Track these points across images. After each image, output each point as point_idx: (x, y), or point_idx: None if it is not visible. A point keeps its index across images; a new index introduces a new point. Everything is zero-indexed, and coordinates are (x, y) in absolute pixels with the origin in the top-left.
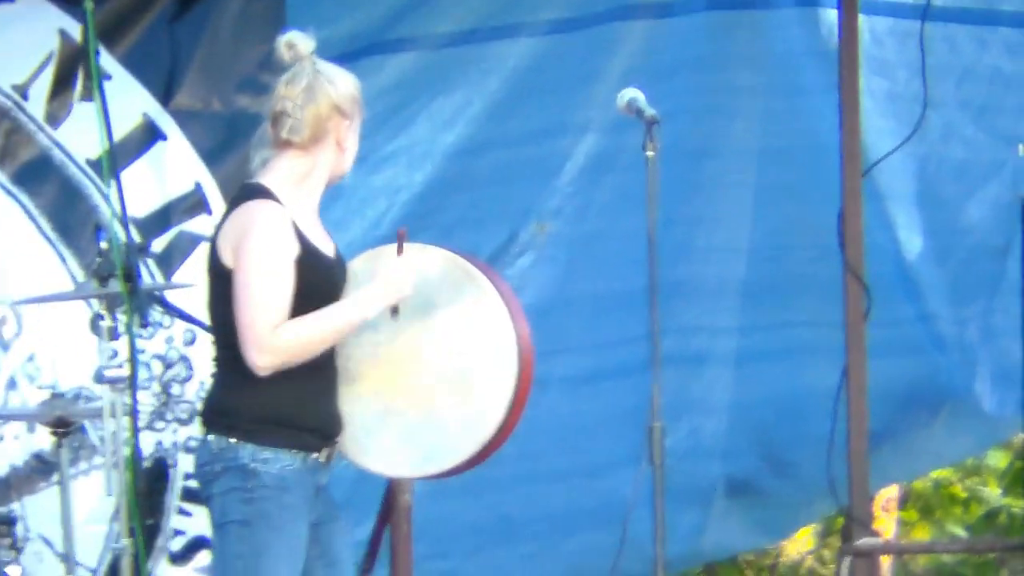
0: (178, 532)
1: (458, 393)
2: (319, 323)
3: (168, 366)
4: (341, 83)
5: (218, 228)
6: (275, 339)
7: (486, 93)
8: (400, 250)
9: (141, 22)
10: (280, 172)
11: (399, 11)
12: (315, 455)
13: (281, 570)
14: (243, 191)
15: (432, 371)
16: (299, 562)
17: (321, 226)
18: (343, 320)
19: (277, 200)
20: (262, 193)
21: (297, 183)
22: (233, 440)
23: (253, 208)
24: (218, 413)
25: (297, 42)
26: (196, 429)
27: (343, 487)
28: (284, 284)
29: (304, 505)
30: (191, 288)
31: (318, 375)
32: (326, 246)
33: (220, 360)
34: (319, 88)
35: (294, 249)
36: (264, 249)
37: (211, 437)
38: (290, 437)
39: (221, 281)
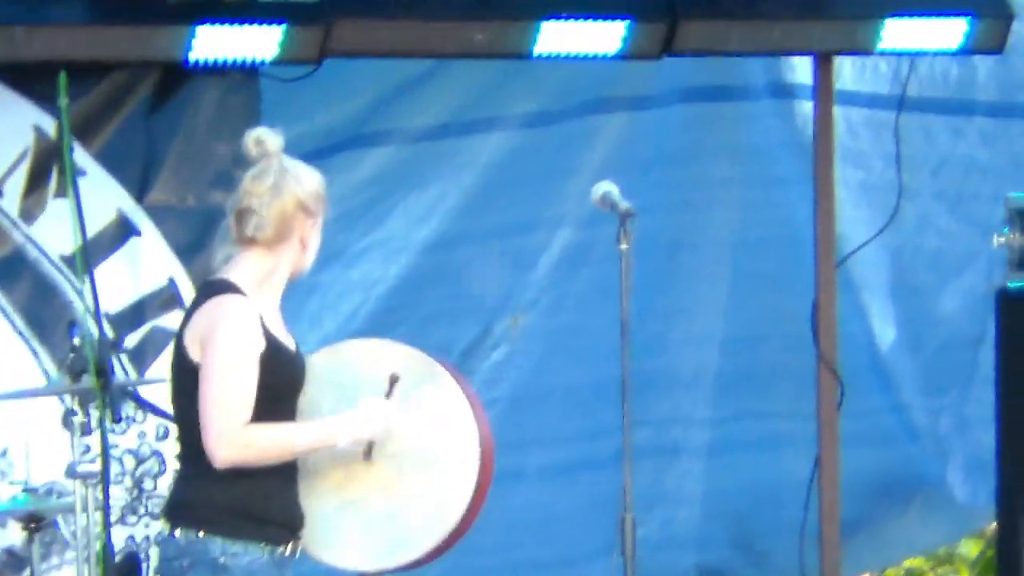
0: None
1: (422, 485)
2: (290, 436)
3: (140, 461)
4: (307, 181)
5: (184, 323)
6: (243, 436)
7: (461, 187)
8: (390, 393)
9: (116, 117)
10: (244, 269)
11: (375, 105)
12: (281, 548)
13: None
14: (209, 286)
15: (394, 464)
16: None
17: (282, 322)
18: (314, 440)
19: (244, 295)
20: (230, 288)
21: (260, 281)
22: (201, 534)
23: (223, 302)
24: (184, 507)
25: (265, 139)
26: None
27: None
28: (250, 379)
29: None
30: (164, 383)
31: (280, 470)
32: (288, 341)
33: (184, 455)
34: (285, 186)
35: (260, 345)
36: (233, 343)
37: (178, 532)
38: (257, 530)
39: (187, 376)
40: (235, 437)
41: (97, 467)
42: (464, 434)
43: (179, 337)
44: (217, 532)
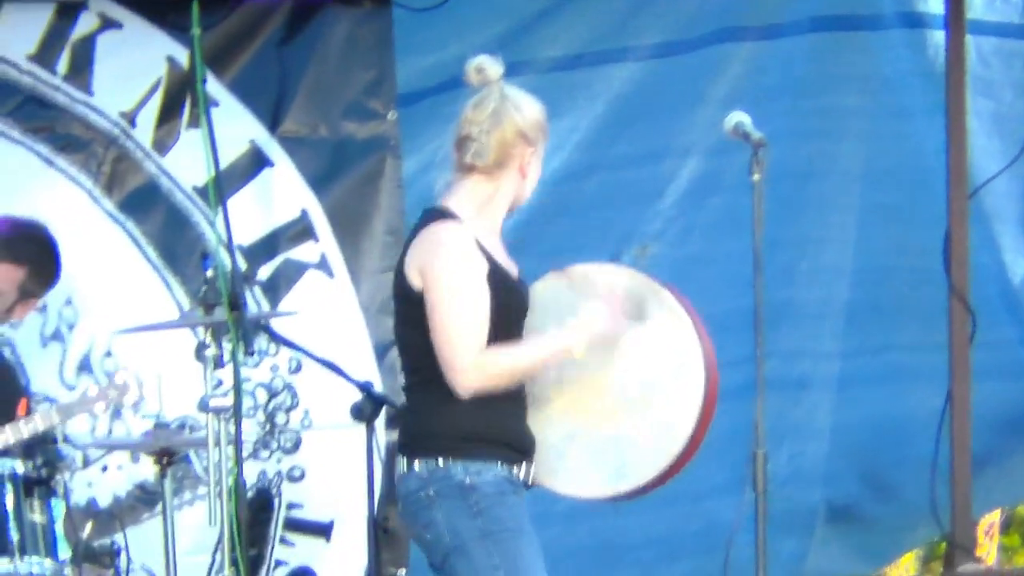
0: (280, 563)
1: (647, 409)
2: (528, 354)
3: (273, 395)
4: (528, 109)
5: (404, 252)
6: (485, 362)
7: (592, 117)
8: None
9: (249, 48)
10: (463, 195)
11: (507, 36)
12: (516, 470)
13: (539, 566)
14: (427, 215)
15: (620, 388)
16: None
17: (503, 248)
18: (552, 352)
19: (460, 221)
20: (446, 215)
21: (480, 207)
22: (441, 461)
23: (438, 229)
24: (420, 438)
25: (486, 66)
26: (300, 458)
27: None
28: (482, 301)
29: (524, 505)
30: (297, 316)
31: (511, 397)
32: (511, 267)
33: (412, 385)
34: (505, 113)
35: (484, 265)
36: (455, 269)
37: (416, 463)
38: (493, 451)
39: (410, 304)
40: (478, 365)
41: (229, 401)
42: (689, 355)
43: (400, 266)
44: (457, 457)
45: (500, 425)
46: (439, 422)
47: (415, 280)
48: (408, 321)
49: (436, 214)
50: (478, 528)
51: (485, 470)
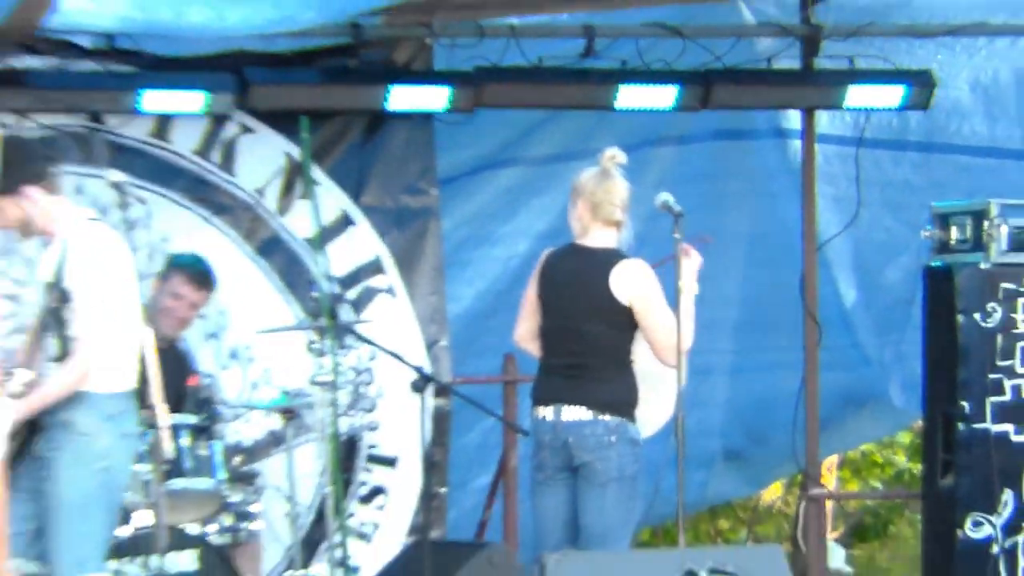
0: (363, 483)
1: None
2: (687, 321)
3: (358, 374)
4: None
5: (603, 275)
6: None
7: (565, 195)
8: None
9: (340, 145)
10: (615, 240)
11: (509, 140)
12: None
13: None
14: (610, 253)
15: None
16: None
17: None
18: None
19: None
20: (623, 255)
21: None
22: (621, 419)
23: (638, 263)
24: (611, 403)
25: (617, 155)
26: (376, 416)
27: (469, 453)
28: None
29: None
30: (372, 323)
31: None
32: None
33: (608, 367)
34: (624, 187)
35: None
36: (659, 289)
37: (607, 417)
38: (633, 412)
39: (619, 312)
40: (682, 346)
41: (329, 378)
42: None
43: (604, 285)
44: (630, 418)
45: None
46: (622, 394)
47: (622, 296)
48: (614, 324)
49: (618, 253)
50: (633, 471)
51: (635, 430)
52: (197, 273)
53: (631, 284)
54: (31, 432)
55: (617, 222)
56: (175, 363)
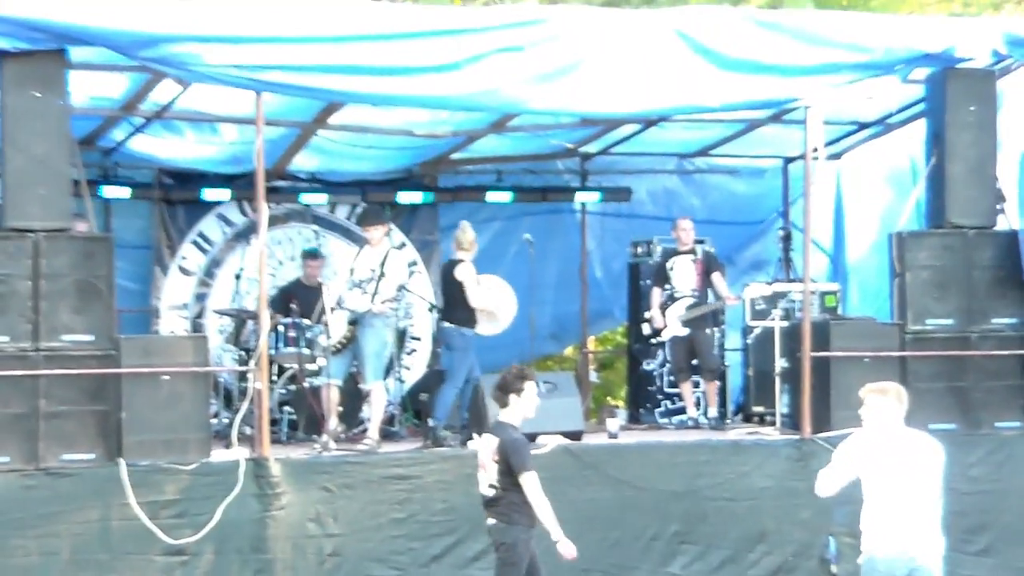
0: (408, 348)
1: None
2: None
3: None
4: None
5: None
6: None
7: (491, 234)
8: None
9: (400, 212)
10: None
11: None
12: None
13: None
14: (457, 261)
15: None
16: None
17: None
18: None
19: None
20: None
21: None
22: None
23: (467, 265)
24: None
25: (466, 227)
26: (412, 321)
27: None
28: None
29: None
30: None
31: None
32: None
33: None
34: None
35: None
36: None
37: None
38: None
39: (453, 285)
40: None
41: (396, 305)
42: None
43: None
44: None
45: None
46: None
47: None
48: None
49: (461, 261)
50: None
51: None
52: (313, 253)
53: (460, 273)
54: None
55: (467, 248)
56: (316, 292)
